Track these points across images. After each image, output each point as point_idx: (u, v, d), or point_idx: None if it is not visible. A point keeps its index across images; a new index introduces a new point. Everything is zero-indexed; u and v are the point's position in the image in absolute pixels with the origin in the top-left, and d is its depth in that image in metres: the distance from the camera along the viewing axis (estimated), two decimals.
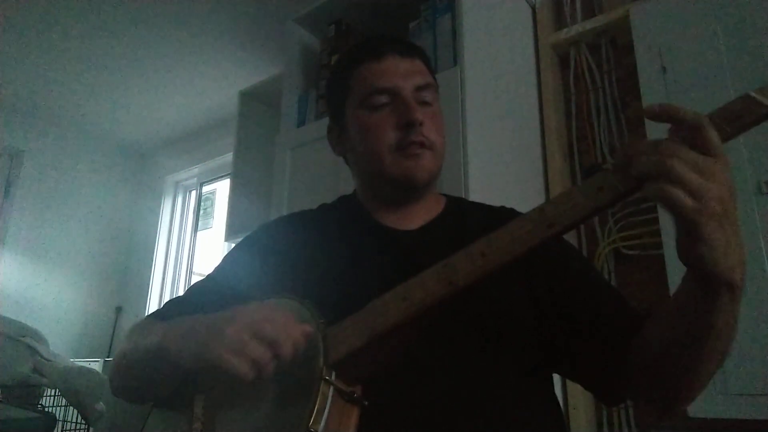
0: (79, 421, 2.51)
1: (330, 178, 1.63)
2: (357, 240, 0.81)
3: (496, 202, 0.92)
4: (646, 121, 1.46)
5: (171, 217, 3.73)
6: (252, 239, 0.88)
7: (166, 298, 3.48)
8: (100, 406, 2.32)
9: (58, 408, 2.56)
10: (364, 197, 0.88)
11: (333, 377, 0.55)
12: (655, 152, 0.49)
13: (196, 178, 3.72)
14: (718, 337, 0.56)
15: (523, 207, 0.88)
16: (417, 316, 0.56)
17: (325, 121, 0.92)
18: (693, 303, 0.55)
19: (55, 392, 2.52)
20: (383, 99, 0.79)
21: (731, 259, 0.50)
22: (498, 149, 1.52)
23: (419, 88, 0.80)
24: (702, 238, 0.48)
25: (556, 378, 0.78)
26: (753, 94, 0.49)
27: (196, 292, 0.85)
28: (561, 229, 0.53)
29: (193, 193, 3.77)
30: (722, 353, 0.58)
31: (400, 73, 0.80)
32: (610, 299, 0.75)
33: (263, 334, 0.56)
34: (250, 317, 0.57)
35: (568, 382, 1.51)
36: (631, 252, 1.56)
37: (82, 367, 2.48)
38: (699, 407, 1.19)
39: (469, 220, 0.84)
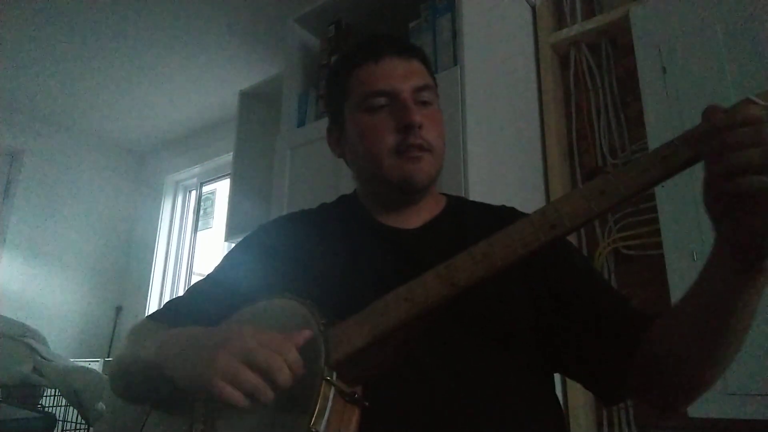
0: (79, 421, 2.51)
1: (330, 178, 1.64)
2: (357, 239, 0.81)
3: (496, 202, 0.92)
4: (646, 121, 1.46)
5: (171, 217, 3.73)
6: (252, 239, 0.88)
7: (166, 298, 3.48)
8: (100, 406, 2.32)
9: (58, 408, 2.56)
10: (365, 197, 0.88)
11: (334, 378, 0.55)
12: (760, 142, 0.47)
13: (196, 178, 3.72)
14: (745, 320, 0.58)
15: (523, 207, 0.88)
16: (418, 317, 0.56)
17: (325, 121, 0.92)
18: (726, 287, 0.56)
19: (55, 392, 2.52)
20: (381, 101, 0.79)
21: None
22: (498, 149, 1.53)
23: (418, 89, 0.80)
24: None
25: (556, 378, 0.79)
26: (753, 98, 0.49)
27: (195, 292, 0.84)
28: (563, 232, 0.53)
29: (193, 193, 3.77)
30: (742, 339, 0.60)
31: (398, 74, 0.79)
32: (613, 300, 0.75)
33: (257, 362, 0.54)
34: (244, 342, 0.56)
35: (568, 382, 1.51)
36: (631, 252, 1.56)
37: (82, 367, 2.48)
38: (699, 407, 1.19)
39: (470, 219, 0.84)
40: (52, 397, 2.55)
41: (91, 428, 2.41)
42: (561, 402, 0.76)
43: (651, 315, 0.70)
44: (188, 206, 3.77)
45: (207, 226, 3.59)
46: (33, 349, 2.39)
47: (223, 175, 3.47)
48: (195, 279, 3.47)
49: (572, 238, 1.65)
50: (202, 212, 3.66)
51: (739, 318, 0.57)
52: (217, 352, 0.55)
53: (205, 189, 3.70)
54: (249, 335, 0.57)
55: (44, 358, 2.39)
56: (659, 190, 1.39)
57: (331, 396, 0.54)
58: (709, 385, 0.64)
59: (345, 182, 1.44)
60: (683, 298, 0.63)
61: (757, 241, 0.50)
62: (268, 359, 0.54)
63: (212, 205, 3.61)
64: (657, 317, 0.68)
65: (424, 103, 0.80)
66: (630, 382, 0.69)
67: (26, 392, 2.33)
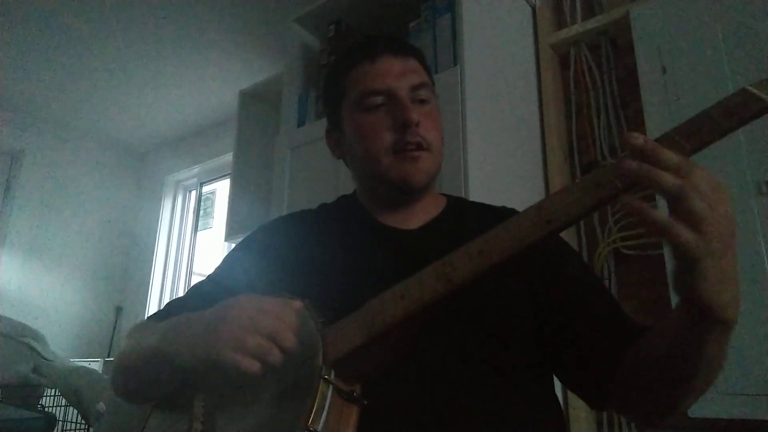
0: (79, 421, 2.51)
1: (330, 178, 1.64)
2: (357, 239, 0.81)
3: (496, 202, 0.91)
4: (646, 121, 1.46)
5: (171, 217, 3.73)
6: (252, 239, 0.88)
7: (166, 298, 3.48)
8: (100, 406, 2.32)
9: (58, 408, 2.56)
10: (364, 198, 0.88)
11: (332, 376, 0.55)
12: (679, 172, 0.47)
13: (196, 178, 3.72)
14: (707, 366, 0.56)
15: (523, 207, 0.88)
16: (415, 314, 0.56)
17: (326, 122, 0.92)
18: (684, 332, 0.55)
19: (55, 392, 2.52)
20: (378, 100, 0.79)
21: (724, 297, 0.49)
22: (498, 149, 1.52)
23: (415, 87, 0.80)
24: (700, 274, 0.47)
25: (556, 378, 0.79)
26: (750, 88, 0.49)
27: (196, 292, 0.85)
28: (558, 226, 0.52)
29: (193, 193, 3.77)
30: (710, 378, 0.58)
31: (395, 73, 0.79)
32: (606, 307, 0.75)
33: (260, 326, 0.56)
34: (244, 311, 0.57)
35: None
36: (631, 252, 1.56)
37: (82, 367, 2.48)
38: (699, 407, 1.19)
39: (470, 219, 0.84)
40: (52, 397, 2.55)
41: (91, 428, 2.41)
42: (561, 402, 0.76)
43: (641, 326, 0.69)
44: (188, 206, 3.77)
45: (207, 226, 3.59)
46: (33, 349, 2.39)
47: (223, 175, 3.47)
48: (195, 279, 3.47)
49: (572, 239, 1.65)
50: (202, 212, 3.66)
51: (699, 361, 0.56)
52: (219, 324, 0.57)
53: (205, 189, 3.70)
54: (246, 303, 0.58)
55: (44, 358, 2.40)
56: None
57: (329, 394, 0.54)
58: (680, 406, 0.63)
59: (345, 182, 1.44)
60: (658, 325, 0.63)
61: (682, 288, 0.50)
62: (270, 322, 0.56)
63: (212, 205, 3.62)
64: (646, 329, 0.68)
65: (422, 102, 0.80)
66: (613, 388, 0.69)
67: (26, 392, 2.33)
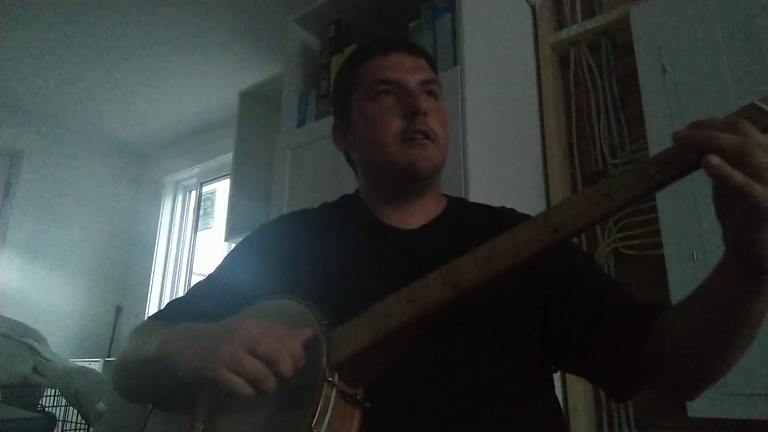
0: (79, 421, 2.51)
1: (330, 178, 1.64)
2: (358, 238, 0.81)
3: (496, 202, 0.92)
4: (646, 121, 1.47)
5: (171, 217, 3.73)
6: (253, 238, 0.88)
7: (166, 298, 3.48)
8: (100, 406, 2.32)
9: (58, 408, 2.56)
10: (367, 194, 0.88)
11: (336, 379, 0.55)
12: (735, 131, 0.47)
13: (196, 178, 3.72)
14: (753, 323, 0.57)
15: (523, 207, 0.88)
16: (420, 319, 0.56)
17: (326, 121, 0.93)
18: (733, 289, 0.55)
19: (55, 392, 2.52)
20: (389, 90, 0.81)
21: None
22: (498, 149, 1.53)
23: (425, 82, 0.82)
24: (765, 228, 0.48)
25: (556, 378, 0.79)
26: (758, 103, 0.49)
27: (197, 292, 0.85)
28: (566, 235, 0.53)
29: (193, 193, 3.77)
30: (751, 339, 0.59)
31: (406, 67, 0.82)
32: (617, 295, 0.75)
33: (261, 351, 0.55)
34: (248, 332, 0.56)
35: (568, 382, 1.51)
36: (631, 252, 1.56)
37: (82, 367, 2.48)
38: (699, 407, 1.19)
39: (470, 220, 0.85)
40: (52, 397, 2.55)
41: (91, 428, 2.42)
42: (561, 402, 0.76)
43: (659, 307, 0.70)
44: (188, 206, 3.77)
45: (207, 226, 3.59)
46: (33, 349, 2.39)
47: (223, 175, 3.47)
48: (195, 279, 3.48)
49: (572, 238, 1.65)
50: (202, 212, 3.66)
51: (745, 321, 0.57)
52: (221, 342, 0.56)
53: (205, 189, 3.70)
54: (252, 326, 0.58)
55: (44, 358, 2.40)
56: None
57: (333, 397, 0.54)
58: (719, 376, 0.64)
59: (345, 182, 1.45)
60: (691, 295, 0.63)
61: (745, 241, 0.50)
62: (272, 348, 0.55)
63: (212, 205, 3.62)
64: (665, 309, 0.68)
65: (430, 94, 0.83)
66: (640, 375, 0.69)
67: (26, 392, 2.33)
